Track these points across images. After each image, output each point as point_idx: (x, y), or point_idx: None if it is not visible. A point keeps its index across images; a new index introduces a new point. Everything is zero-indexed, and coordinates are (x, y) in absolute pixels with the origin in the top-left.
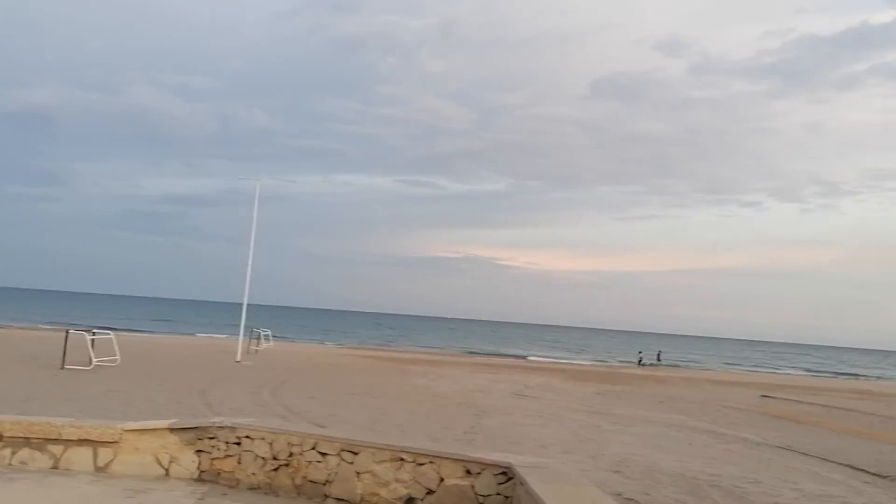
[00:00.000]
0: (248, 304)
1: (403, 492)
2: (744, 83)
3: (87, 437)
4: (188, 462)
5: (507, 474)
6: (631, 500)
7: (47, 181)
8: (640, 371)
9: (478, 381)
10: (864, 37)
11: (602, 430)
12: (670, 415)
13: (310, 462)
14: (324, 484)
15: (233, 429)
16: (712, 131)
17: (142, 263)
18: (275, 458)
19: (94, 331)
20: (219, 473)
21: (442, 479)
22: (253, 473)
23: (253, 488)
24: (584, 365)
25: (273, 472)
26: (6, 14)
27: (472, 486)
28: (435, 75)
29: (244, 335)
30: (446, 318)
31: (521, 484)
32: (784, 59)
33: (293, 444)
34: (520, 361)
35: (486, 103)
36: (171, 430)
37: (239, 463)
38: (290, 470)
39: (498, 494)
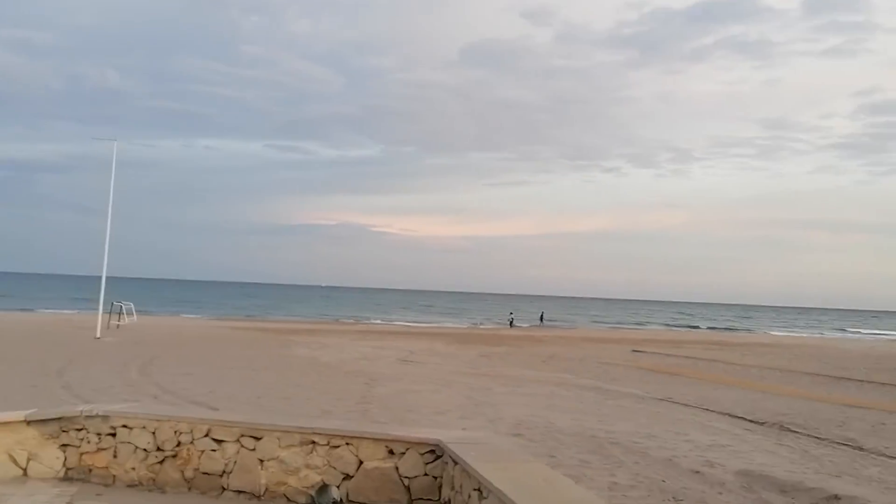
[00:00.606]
0: (107, 277)
1: (316, 479)
2: (605, 53)
3: None
4: (51, 459)
5: (435, 452)
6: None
7: None
8: (516, 332)
9: (362, 350)
10: (712, 11)
11: (494, 393)
12: (556, 374)
13: (203, 451)
14: (220, 475)
15: (105, 417)
16: (576, 100)
17: None
18: (159, 450)
19: None
20: (90, 470)
21: (361, 463)
22: (132, 468)
23: (133, 485)
24: (462, 328)
25: (158, 466)
26: None
27: (396, 468)
28: (302, 36)
29: (104, 310)
30: (321, 287)
31: (455, 463)
32: (641, 31)
33: (181, 432)
34: (400, 328)
35: (357, 67)
36: (29, 422)
37: (115, 457)
38: (179, 462)
39: (426, 475)
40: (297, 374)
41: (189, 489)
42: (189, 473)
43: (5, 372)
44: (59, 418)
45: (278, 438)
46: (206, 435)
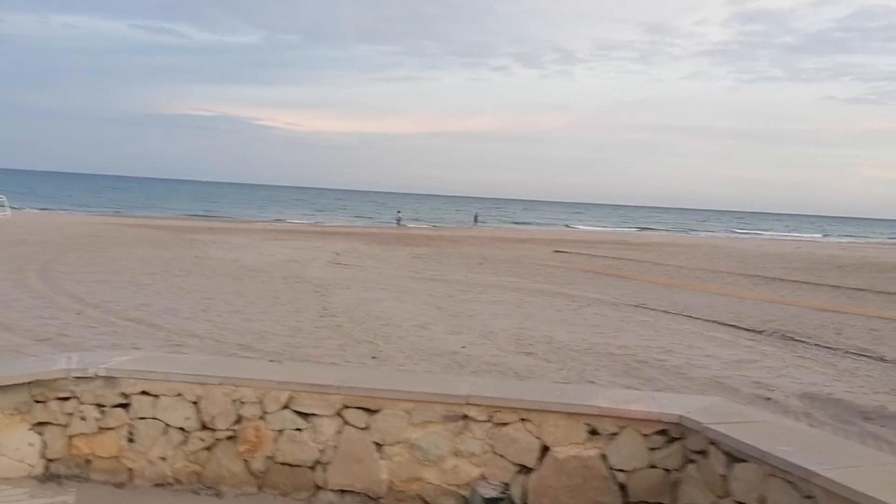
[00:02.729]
0: None
1: (474, 473)
2: None
3: None
4: (20, 448)
5: (667, 433)
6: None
7: None
8: (429, 232)
9: (280, 250)
10: None
11: (460, 301)
12: (503, 277)
13: (281, 431)
14: (312, 467)
15: (110, 380)
16: None
17: None
18: (207, 429)
19: None
20: (87, 462)
21: (546, 449)
22: (162, 458)
23: (164, 484)
24: (357, 226)
25: (205, 454)
26: None
27: (604, 457)
28: None
29: None
30: (200, 182)
31: (729, 455)
32: None
33: (244, 401)
34: (304, 226)
35: None
36: None
37: (131, 441)
38: (243, 447)
39: (652, 468)
40: (229, 280)
41: (260, 488)
42: (259, 465)
43: None
44: (31, 383)
45: (407, 412)
46: (286, 406)
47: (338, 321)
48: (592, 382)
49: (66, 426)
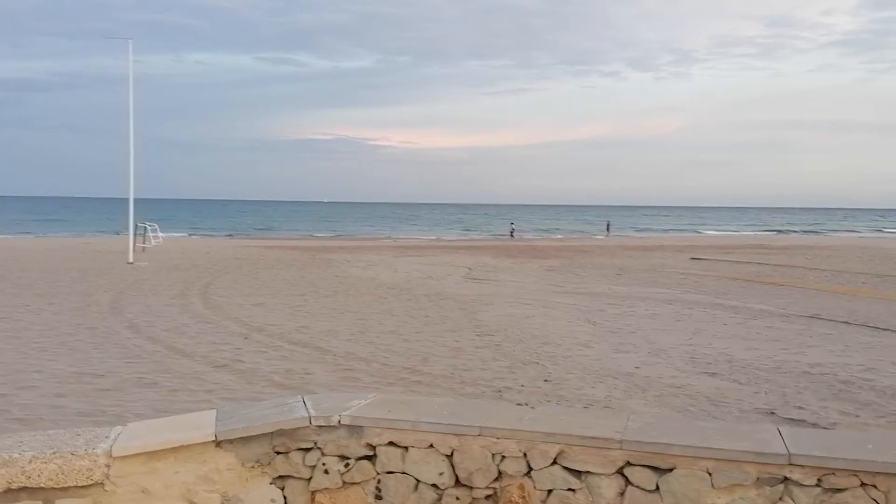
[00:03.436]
0: (92, 198)
1: None
2: None
3: (29, 483)
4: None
5: None
6: (794, 419)
7: None
8: (552, 243)
9: (413, 267)
10: None
11: (614, 316)
12: (648, 288)
13: (550, 491)
14: None
15: (355, 429)
16: (574, 1)
17: None
18: (462, 485)
19: None
20: None
21: None
22: None
23: None
24: (477, 240)
25: None
26: None
27: None
28: None
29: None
30: (323, 203)
31: None
32: None
33: (503, 455)
34: (427, 242)
35: None
36: (220, 442)
37: (378, 498)
38: None
39: None
40: (375, 299)
41: None
42: None
43: (46, 308)
44: (273, 433)
45: (708, 473)
46: (556, 462)
47: (495, 340)
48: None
49: (308, 480)
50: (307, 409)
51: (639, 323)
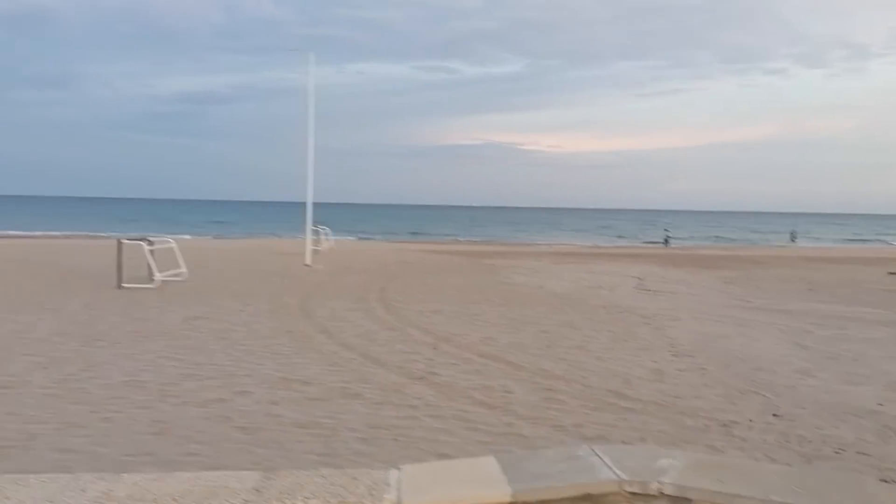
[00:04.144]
0: (260, 202)
1: None
2: None
3: None
4: None
5: None
6: None
7: (52, 85)
8: (721, 252)
9: (578, 275)
10: None
11: (825, 339)
12: (853, 307)
13: None
14: None
15: (681, 501)
16: None
17: (159, 166)
18: None
19: (151, 239)
20: None
21: None
22: None
23: None
24: (640, 247)
25: None
26: None
27: None
28: None
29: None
30: (473, 207)
31: None
32: None
33: None
34: (585, 248)
35: None
36: None
37: None
38: None
39: None
40: (550, 310)
41: None
42: None
43: (244, 309)
44: (575, 497)
45: None
46: None
47: (697, 362)
48: None
49: None
50: (612, 469)
51: (858, 348)
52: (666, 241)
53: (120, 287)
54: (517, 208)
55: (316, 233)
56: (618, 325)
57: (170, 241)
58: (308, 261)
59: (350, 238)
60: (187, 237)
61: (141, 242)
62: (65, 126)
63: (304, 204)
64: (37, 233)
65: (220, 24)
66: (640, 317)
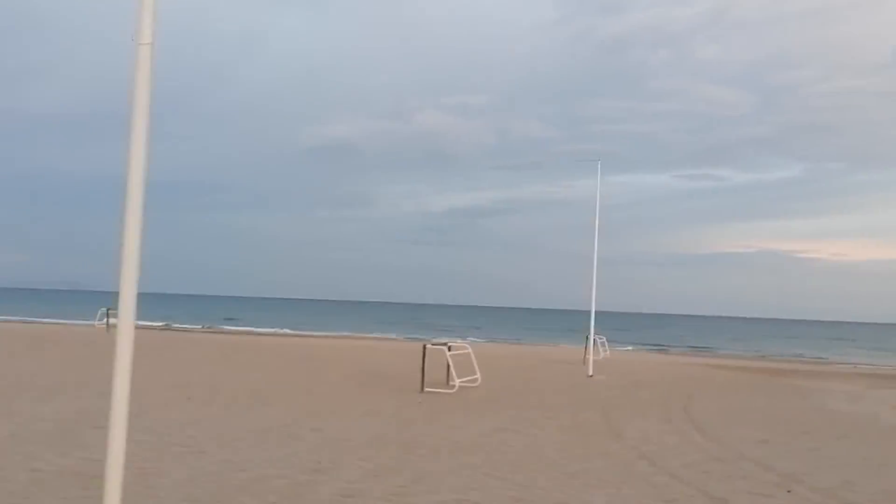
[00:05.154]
0: (528, 309)
1: None
2: None
3: None
4: None
5: None
6: None
7: (353, 204)
8: None
9: None
10: None
11: None
12: None
13: None
14: None
15: None
16: None
17: (424, 272)
18: None
19: (450, 344)
20: None
21: None
22: None
23: None
24: None
25: None
26: (304, 61)
27: None
28: (709, 62)
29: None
30: (736, 318)
31: None
32: None
33: None
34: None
35: (769, 85)
36: None
37: None
38: None
39: None
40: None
41: None
42: None
43: (547, 423)
44: None
45: None
46: None
47: None
48: None
49: None
50: None
51: None
52: None
53: (423, 391)
54: (793, 321)
55: (593, 342)
56: None
57: (466, 347)
58: (591, 371)
59: (625, 348)
60: (477, 340)
61: (443, 347)
62: (351, 238)
63: (563, 311)
64: (317, 333)
65: (491, 146)
66: None
